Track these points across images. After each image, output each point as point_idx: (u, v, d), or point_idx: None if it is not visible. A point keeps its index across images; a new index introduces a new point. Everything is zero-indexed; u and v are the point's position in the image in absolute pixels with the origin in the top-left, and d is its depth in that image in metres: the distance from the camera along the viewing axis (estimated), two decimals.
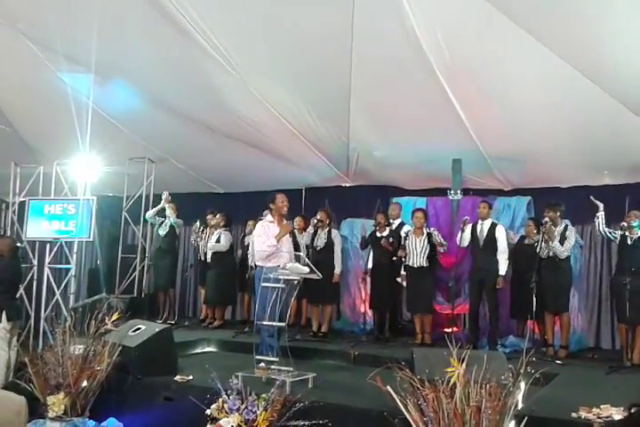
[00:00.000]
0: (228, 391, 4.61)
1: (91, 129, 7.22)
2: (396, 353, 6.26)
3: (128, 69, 7.21)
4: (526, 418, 3.71)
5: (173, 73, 7.04)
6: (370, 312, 7.98)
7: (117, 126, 8.33)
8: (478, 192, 8.23)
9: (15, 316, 6.45)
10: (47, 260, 8.14)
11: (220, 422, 4.50)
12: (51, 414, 5.06)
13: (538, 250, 6.74)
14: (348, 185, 9.24)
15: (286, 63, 6.53)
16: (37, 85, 7.76)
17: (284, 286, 5.49)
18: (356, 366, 6.38)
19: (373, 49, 6.03)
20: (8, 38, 6.93)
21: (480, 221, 7.30)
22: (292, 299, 5.98)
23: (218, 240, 8.65)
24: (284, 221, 6.03)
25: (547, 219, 6.79)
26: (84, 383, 5.18)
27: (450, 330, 7.36)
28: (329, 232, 7.94)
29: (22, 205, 8.68)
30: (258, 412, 4.45)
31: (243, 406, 4.51)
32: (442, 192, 8.05)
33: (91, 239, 8.30)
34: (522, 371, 3.69)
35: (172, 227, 9.03)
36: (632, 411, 4.11)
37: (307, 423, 4.44)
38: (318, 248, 7.86)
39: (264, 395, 4.54)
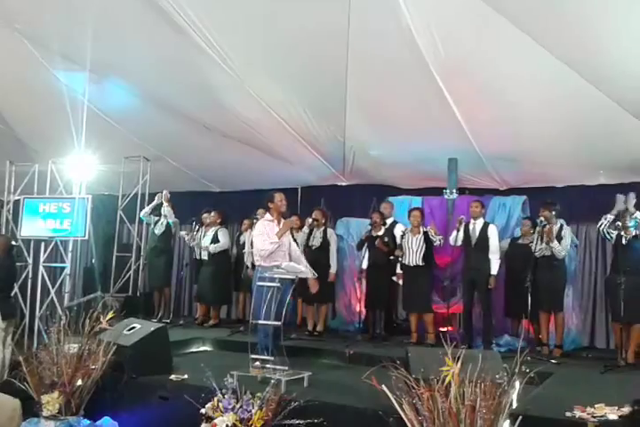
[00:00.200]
0: (223, 390, 4.60)
1: (86, 127, 7.21)
2: (391, 352, 6.25)
3: (124, 68, 7.21)
4: (521, 417, 3.72)
5: (169, 71, 7.03)
6: (365, 311, 7.99)
7: (113, 125, 8.33)
8: (474, 191, 8.24)
9: (10, 314, 6.44)
10: (42, 258, 8.12)
11: (215, 421, 4.49)
12: (45, 413, 5.05)
13: (534, 249, 6.75)
14: (343, 184, 9.24)
15: (282, 62, 6.53)
16: (33, 83, 7.75)
17: (279, 284, 5.50)
18: (351, 365, 6.38)
19: (369, 48, 6.04)
20: (4, 37, 6.93)
21: (472, 221, 7.31)
22: (289, 298, 6.00)
23: (215, 239, 8.64)
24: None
25: (542, 218, 6.81)
26: (79, 382, 5.16)
27: (445, 329, 7.38)
28: (324, 231, 7.94)
29: (17, 203, 8.67)
30: (253, 411, 4.45)
31: (238, 405, 4.50)
32: (438, 191, 8.07)
33: (86, 238, 8.27)
34: (516, 370, 3.70)
35: (167, 226, 9.02)
36: (636, 408, 4.11)
37: (302, 422, 4.44)
38: (314, 247, 7.86)
39: (259, 394, 4.53)
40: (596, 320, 7.88)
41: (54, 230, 8.16)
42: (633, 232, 6.36)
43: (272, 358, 5.34)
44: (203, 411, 4.60)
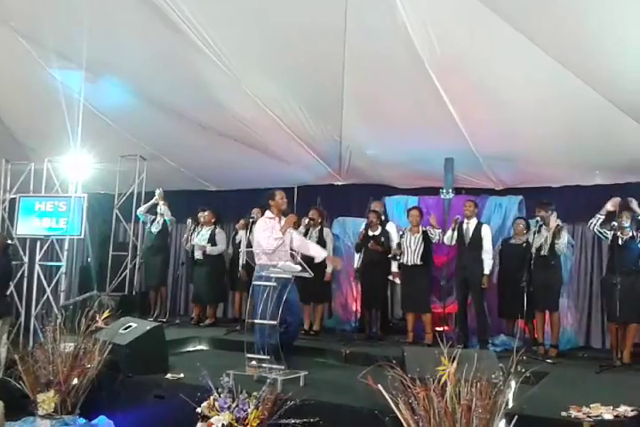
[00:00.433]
0: (219, 390, 4.60)
1: (82, 126, 7.19)
2: (387, 352, 6.26)
3: (119, 66, 7.20)
4: (516, 417, 3.72)
5: (165, 70, 7.02)
6: (361, 311, 7.99)
7: (109, 123, 8.32)
8: (470, 191, 8.25)
9: (5, 313, 6.43)
10: (38, 257, 8.10)
11: (211, 420, 4.49)
12: (41, 412, 5.04)
13: (533, 249, 6.75)
14: (340, 184, 9.24)
15: (278, 60, 6.53)
16: (29, 82, 7.74)
17: (275, 284, 5.50)
18: (347, 365, 6.39)
19: (366, 46, 6.04)
20: (0, 35, 6.89)
21: (466, 220, 7.32)
22: (285, 297, 6.01)
23: (212, 239, 8.64)
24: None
25: (538, 218, 6.83)
26: (75, 381, 5.15)
27: (441, 329, 7.38)
28: (321, 231, 7.94)
29: (13, 201, 8.64)
30: (249, 410, 4.45)
31: (234, 405, 4.50)
32: (434, 191, 8.07)
33: (82, 237, 8.27)
34: (512, 370, 3.71)
35: (164, 224, 9.01)
36: None
37: (298, 422, 4.44)
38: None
39: (255, 393, 4.53)
40: (591, 320, 7.90)
41: (50, 229, 8.14)
42: (629, 233, 6.38)
43: (268, 358, 5.34)
44: (199, 410, 4.60)
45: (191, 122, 8.03)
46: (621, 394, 4.72)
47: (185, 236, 8.86)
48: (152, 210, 9.10)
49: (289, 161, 8.61)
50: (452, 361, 3.63)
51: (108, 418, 5.24)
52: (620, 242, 6.40)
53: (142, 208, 9.17)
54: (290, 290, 5.67)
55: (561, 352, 6.85)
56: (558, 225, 6.88)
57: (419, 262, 7.39)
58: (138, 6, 6.00)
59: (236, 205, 9.52)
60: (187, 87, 7.26)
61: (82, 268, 10.42)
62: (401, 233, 7.65)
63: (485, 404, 3.53)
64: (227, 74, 6.74)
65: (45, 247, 8.23)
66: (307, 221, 7.75)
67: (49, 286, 7.93)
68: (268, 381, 4.78)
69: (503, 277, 7.35)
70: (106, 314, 5.57)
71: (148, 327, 5.88)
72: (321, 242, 7.85)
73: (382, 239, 7.61)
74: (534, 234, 6.79)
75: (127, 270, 9.67)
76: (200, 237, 8.68)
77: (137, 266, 9.76)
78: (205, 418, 4.55)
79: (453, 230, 7.25)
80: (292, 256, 5.68)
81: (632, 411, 4.21)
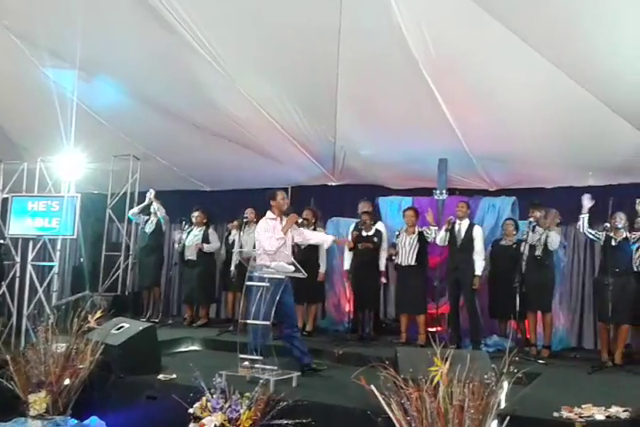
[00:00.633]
0: (212, 390, 4.59)
1: (75, 125, 7.17)
2: (380, 352, 6.26)
3: (113, 66, 7.18)
4: (509, 417, 3.73)
5: (159, 69, 7.01)
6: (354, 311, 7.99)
7: (102, 123, 8.30)
8: (464, 192, 8.26)
9: None
10: (30, 257, 8.06)
11: (204, 420, 4.48)
12: (32, 413, 5.02)
13: (526, 250, 6.76)
14: (334, 184, 9.24)
15: (273, 60, 6.53)
16: (22, 81, 7.71)
17: (268, 284, 5.50)
18: (340, 365, 6.37)
19: (360, 47, 6.05)
20: None
21: (458, 221, 7.33)
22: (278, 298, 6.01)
23: (206, 239, 8.66)
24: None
25: (531, 219, 6.84)
26: (67, 382, 5.13)
27: (434, 329, 7.39)
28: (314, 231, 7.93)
29: (5, 201, 8.59)
30: (241, 411, 4.44)
31: (226, 405, 4.49)
32: (428, 192, 8.08)
33: (74, 237, 8.23)
34: (505, 370, 3.71)
35: (157, 224, 9.00)
36: None
37: (290, 422, 4.43)
38: (303, 247, 7.84)
39: (248, 394, 4.52)
40: (583, 321, 7.92)
41: (42, 229, 8.10)
42: (623, 234, 6.40)
43: (261, 358, 5.33)
44: (191, 411, 4.59)
45: (185, 122, 8.02)
46: (613, 395, 4.74)
47: (178, 236, 8.84)
48: (145, 210, 9.09)
49: (283, 161, 8.61)
50: (445, 362, 3.63)
51: (100, 419, 5.21)
52: (613, 243, 6.41)
53: (134, 210, 9.16)
54: (286, 292, 5.68)
55: (553, 353, 6.87)
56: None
57: (413, 263, 7.39)
58: (132, 6, 5.99)
59: (229, 206, 9.52)
60: (181, 87, 7.24)
61: (74, 268, 10.39)
62: (397, 233, 7.65)
63: (478, 404, 3.54)
64: (221, 74, 6.73)
65: (38, 247, 8.19)
66: (300, 221, 7.73)
67: (41, 286, 7.90)
68: (261, 381, 4.77)
69: (494, 278, 7.36)
70: (98, 314, 5.55)
71: (140, 328, 5.86)
72: None
73: (375, 239, 7.62)
74: (527, 234, 6.80)
75: (120, 270, 9.65)
76: (193, 238, 8.67)
77: (130, 266, 9.74)
78: (198, 419, 4.54)
79: (447, 231, 7.26)
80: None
81: (623, 411, 4.22)
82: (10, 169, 9.01)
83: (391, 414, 3.69)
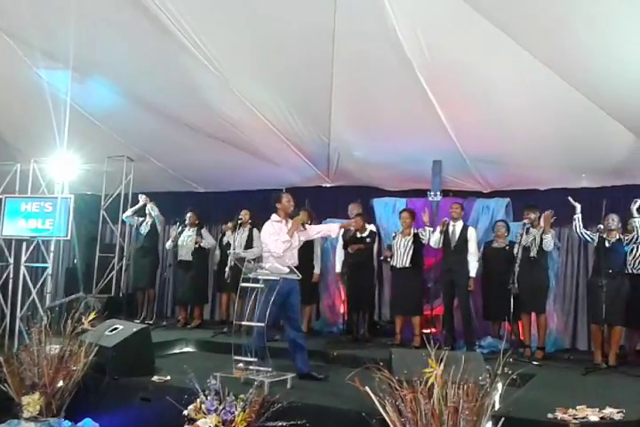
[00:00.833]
0: (206, 392, 4.58)
1: (69, 126, 7.15)
2: (374, 354, 6.27)
3: (107, 66, 7.15)
4: (503, 419, 3.73)
5: (153, 70, 6.99)
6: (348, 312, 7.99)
7: (96, 124, 8.26)
8: (458, 194, 8.28)
9: None
10: (23, 258, 8.04)
11: (198, 422, 4.47)
12: (26, 415, 5.01)
13: (519, 251, 6.78)
14: (328, 186, 9.24)
15: (268, 62, 6.52)
16: (15, 82, 7.67)
17: (262, 285, 5.50)
18: (334, 367, 6.37)
19: (355, 49, 6.04)
20: None
21: (452, 223, 7.34)
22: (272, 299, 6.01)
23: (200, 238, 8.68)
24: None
25: (526, 220, 6.86)
26: (60, 383, 5.12)
27: (428, 331, 7.39)
28: None
29: None
30: (236, 412, 4.44)
31: (221, 407, 4.49)
32: (422, 193, 8.10)
33: (68, 238, 8.20)
34: (499, 372, 3.71)
35: (153, 226, 8.99)
36: None
37: (285, 424, 4.44)
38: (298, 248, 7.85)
39: (242, 395, 4.52)
40: (577, 322, 7.93)
41: (36, 230, 8.08)
42: (617, 235, 6.42)
43: (255, 360, 5.33)
44: (185, 413, 4.58)
45: (179, 123, 8.00)
46: (607, 396, 4.76)
47: (172, 236, 8.82)
48: (140, 211, 9.08)
49: (277, 163, 8.60)
50: (440, 363, 3.63)
51: (94, 421, 5.22)
52: (606, 244, 6.43)
53: (128, 212, 9.15)
54: (293, 294, 5.71)
55: (547, 354, 6.88)
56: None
57: (407, 265, 7.39)
58: (126, 7, 5.96)
59: (223, 207, 9.52)
60: (175, 88, 7.23)
61: (68, 269, 10.36)
62: (393, 235, 7.66)
63: (472, 406, 3.54)
64: (215, 75, 6.72)
65: (31, 248, 8.17)
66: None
67: (34, 288, 7.88)
68: (256, 383, 4.77)
69: (488, 279, 7.36)
70: (92, 316, 5.53)
71: (134, 329, 5.85)
72: (309, 243, 7.84)
73: (368, 240, 7.63)
74: (521, 236, 6.81)
75: (114, 272, 9.62)
76: (187, 238, 8.67)
77: (124, 268, 9.71)
78: (192, 421, 4.54)
79: (441, 233, 7.26)
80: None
81: (617, 413, 4.23)
82: (3, 170, 8.97)
83: (386, 416, 3.69)
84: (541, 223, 6.83)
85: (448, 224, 7.31)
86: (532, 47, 5.50)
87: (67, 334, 5.26)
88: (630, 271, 6.59)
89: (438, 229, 7.32)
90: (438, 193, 7.73)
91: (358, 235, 7.68)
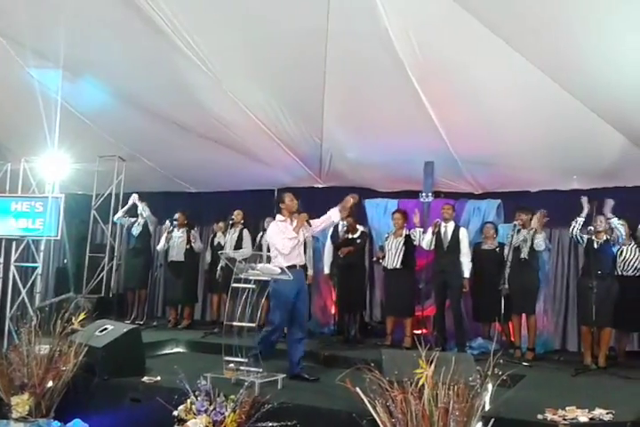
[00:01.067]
0: (197, 392, 4.57)
1: (60, 126, 7.11)
2: (365, 355, 6.26)
3: (99, 66, 7.13)
4: (493, 419, 3.75)
5: (145, 70, 6.97)
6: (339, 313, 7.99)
7: (87, 123, 8.24)
8: (449, 195, 8.29)
9: None
10: (13, 258, 8.00)
11: (188, 423, 4.46)
12: (15, 415, 4.99)
13: (510, 252, 6.80)
14: (320, 186, 9.23)
15: (260, 63, 6.52)
16: (6, 81, 7.64)
17: (253, 286, 5.50)
18: (325, 368, 6.37)
19: (347, 50, 6.05)
20: None
21: (444, 224, 7.36)
22: (263, 299, 6.01)
23: (188, 240, 8.64)
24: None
25: (517, 222, 6.88)
26: (50, 384, 5.10)
27: (419, 332, 7.40)
28: None
29: None
30: (226, 413, 4.43)
31: (211, 408, 4.47)
32: (413, 194, 8.10)
33: (58, 238, 8.17)
34: (489, 373, 3.72)
35: (144, 226, 8.97)
36: None
37: (275, 425, 4.43)
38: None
39: (233, 396, 4.51)
40: (567, 323, 7.95)
41: (26, 230, 8.04)
42: (604, 237, 6.44)
43: (246, 360, 5.32)
44: (175, 413, 4.57)
45: (171, 123, 7.98)
46: (597, 397, 4.77)
47: (163, 237, 8.80)
48: (132, 212, 9.05)
49: (269, 163, 8.60)
50: (430, 364, 3.64)
51: (84, 421, 5.18)
52: (595, 246, 6.45)
53: (119, 213, 9.15)
54: (302, 294, 5.72)
55: (537, 355, 6.90)
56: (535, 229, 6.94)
57: (398, 266, 7.40)
58: (118, 6, 5.94)
59: (215, 207, 9.49)
60: (167, 88, 7.21)
61: (58, 269, 10.32)
62: (386, 236, 7.67)
63: (462, 407, 3.55)
64: (207, 75, 6.71)
65: (21, 248, 8.13)
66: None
67: (24, 288, 7.83)
68: (246, 384, 4.76)
69: (478, 281, 7.36)
70: (82, 316, 5.53)
71: (124, 330, 5.83)
72: None
73: (359, 241, 7.64)
74: (512, 237, 6.83)
75: (104, 272, 9.59)
76: (177, 239, 8.64)
77: (114, 268, 9.68)
78: (182, 421, 4.52)
79: (433, 234, 7.27)
80: (269, 259, 5.69)
81: (607, 414, 4.25)
82: None
83: (376, 417, 3.70)
84: (532, 224, 6.85)
85: (440, 225, 7.32)
86: (523, 49, 5.52)
87: (56, 334, 5.24)
88: (620, 273, 6.62)
89: (430, 230, 7.33)
90: (430, 194, 7.75)
91: (350, 236, 7.69)
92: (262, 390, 4.89)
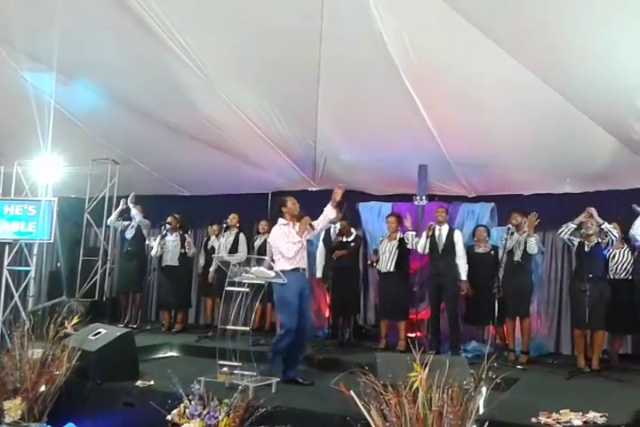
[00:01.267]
0: (190, 397, 4.56)
1: (53, 129, 7.10)
2: (359, 358, 6.25)
3: (92, 69, 7.11)
4: (487, 423, 3.74)
5: (138, 73, 6.96)
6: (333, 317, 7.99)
7: (80, 126, 8.22)
8: (443, 198, 8.31)
9: None
10: (6, 261, 7.98)
11: None
12: (7, 420, 4.96)
13: (504, 254, 6.80)
14: (314, 189, 9.23)
15: (253, 65, 6.51)
16: None
17: (247, 289, 5.49)
18: (319, 371, 6.36)
19: (341, 52, 6.04)
20: None
21: (438, 227, 7.37)
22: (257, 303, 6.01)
23: (182, 245, 8.63)
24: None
25: (510, 225, 6.89)
26: (43, 388, 5.08)
27: (413, 335, 7.40)
28: None
29: None
30: (220, 417, 4.42)
31: (204, 412, 4.46)
32: (407, 198, 8.11)
33: (51, 241, 8.14)
34: (483, 376, 3.72)
35: (138, 229, 8.95)
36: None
37: None
38: None
39: (226, 400, 4.50)
40: (561, 326, 7.97)
41: (19, 233, 8.01)
42: (595, 240, 6.45)
43: (240, 364, 5.31)
44: (169, 417, 4.56)
45: (165, 126, 7.97)
46: (590, 400, 4.77)
47: (157, 241, 8.78)
48: (124, 215, 9.03)
49: (263, 166, 8.59)
50: (424, 367, 3.64)
51: (77, 426, 5.16)
52: (585, 249, 6.46)
53: (112, 217, 9.13)
54: (305, 301, 5.72)
55: (531, 358, 6.90)
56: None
57: (392, 269, 7.40)
58: (111, 8, 5.93)
59: (209, 211, 9.48)
60: (161, 91, 7.20)
61: (51, 273, 10.28)
62: (380, 240, 7.68)
63: (457, 410, 3.55)
64: (200, 77, 6.70)
65: (14, 251, 8.11)
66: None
67: (17, 291, 7.81)
68: (240, 388, 4.76)
69: (471, 284, 7.33)
70: (75, 320, 5.51)
71: (117, 334, 5.81)
72: None
73: (353, 244, 7.64)
74: (506, 240, 6.84)
75: (97, 276, 9.57)
76: (171, 243, 8.63)
77: (107, 271, 9.65)
78: (176, 426, 4.52)
79: (428, 237, 7.27)
80: (263, 262, 5.69)
81: (601, 417, 4.26)
82: None
83: (370, 420, 3.69)
84: (525, 227, 6.87)
85: (434, 228, 7.33)
86: (516, 52, 5.54)
87: (49, 338, 5.22)
88: (612, 276, 6.63)
89: (424, 234, 7.33)
90: (424, 197, 7.75)
91: (344, 239, 7.69)
92: (256, 394, 4.88)
